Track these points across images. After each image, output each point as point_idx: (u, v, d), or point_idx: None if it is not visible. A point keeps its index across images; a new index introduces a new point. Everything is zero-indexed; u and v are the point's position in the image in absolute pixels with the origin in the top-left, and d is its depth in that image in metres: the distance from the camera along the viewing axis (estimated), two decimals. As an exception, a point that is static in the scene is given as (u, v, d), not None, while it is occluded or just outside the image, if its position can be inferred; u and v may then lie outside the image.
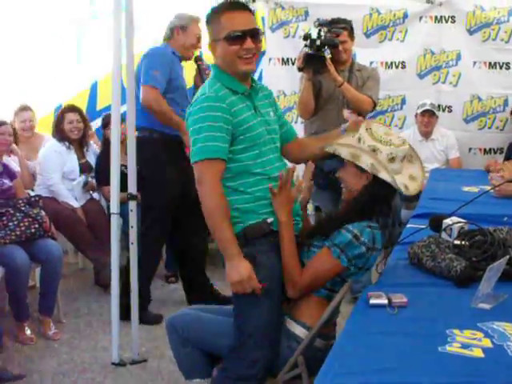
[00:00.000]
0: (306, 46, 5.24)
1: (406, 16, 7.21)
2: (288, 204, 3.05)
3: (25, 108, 6.38)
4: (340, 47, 5.47)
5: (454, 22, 7.18)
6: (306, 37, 5.31)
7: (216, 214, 2.93)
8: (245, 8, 3.07)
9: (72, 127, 6.19)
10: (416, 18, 7.23)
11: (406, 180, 3.06)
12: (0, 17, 6.91)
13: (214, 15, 3.06)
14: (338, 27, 5.50)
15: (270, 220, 3.06)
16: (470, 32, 7.16)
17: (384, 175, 2.97)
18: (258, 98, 3.18)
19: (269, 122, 3.17)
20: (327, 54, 5.36)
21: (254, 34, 3.04)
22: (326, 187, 5.48)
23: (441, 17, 7.18)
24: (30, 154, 6.39)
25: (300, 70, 5.38)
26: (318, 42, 5.23)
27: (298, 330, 3.04)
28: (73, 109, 6.30)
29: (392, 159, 3.03)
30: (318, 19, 5.46)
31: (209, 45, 3.12)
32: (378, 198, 3.03)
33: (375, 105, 5.67)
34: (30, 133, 6.45)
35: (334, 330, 3.20)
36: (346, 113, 5.34)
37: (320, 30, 5.25)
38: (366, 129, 3.10)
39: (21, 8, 6.95)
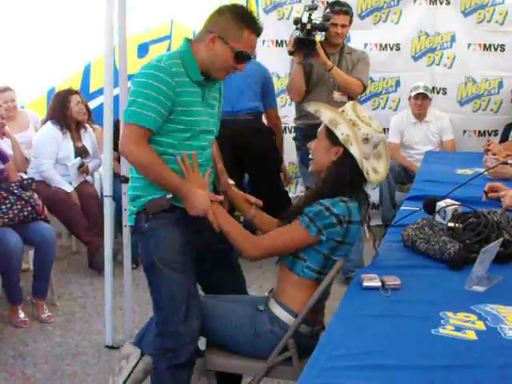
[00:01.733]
0: (297, 29, 5.28)
1: (400, -3, 7.20)
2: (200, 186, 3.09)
3: (6, 89, 6.36)
4: (339, 30, 5.55)
5: (449, 3, 7.18)
6: (297, 21, 5.33)
7: (153, 167, 3.03)
8: (259, 34, 3.13)
9: (80, 108, 6.20)
10: (411, -1, 7.22)
11: (369, 168, 3.04)
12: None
13: (238, 20, 3.05)
14: (341, 10, 5.57)
15: (169, 196, 3.11)
16: (465, 14, 7.16)
17: (355, 150, 2.95)
18: (210, 90, 3.21)
19: (210, 115, 3.21)
20: (321, 37, 5.47)
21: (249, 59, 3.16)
22: None
23: (435, -2, 7.17)
24: (21, 127, 6.46)
25: (291, 53, 5.43)
26: (309, 26, 5.24)
27: (283, 315, 3.02)
28: (75, 91, 6.31)
29: (366, 140, 3.00)
30: (308, 5, 5.44)
31: (210, 32, 3.06)
32: (345, 178, 2.99)
33: (365, 87, 5.72)
34: (13, 112, 6.43)
35: (321, 315, 3.18)
36: (337, 95, 5.51)
37: (310, 14, 5.25)
38: (352, 105, 3.09)
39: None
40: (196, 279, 3.21)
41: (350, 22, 5.69)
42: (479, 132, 7.43)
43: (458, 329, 2.26)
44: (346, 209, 2.91)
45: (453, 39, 7.25)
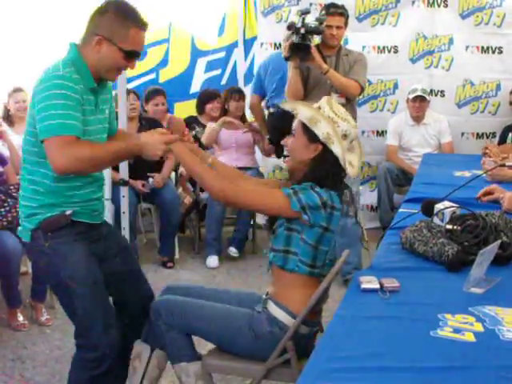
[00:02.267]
0: (292, 33, 5.30)
1: (398, 0, 7.20)
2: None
3: (18, 89, 6.38)
4: (334, 31, 5.56)
5: (447, 6, 7.19)
6: (291, 26, 5.37)
7: (96, 155, 2.92)
8: (146, 29, 3.09)
9: None
10: (408, 2, 7.24)
11: (347, 162, 3.05)
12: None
13: (122, 18, 3.00)
14: (335, 12, 5.58)
15: (68, 212, 3.09)
16: (463, 16, 7.17)
17: (337, 148, 2.96)
18: (102, 93, 3.17)
19: (102, 121, 3.18)
20: (318, 40, 5.50)
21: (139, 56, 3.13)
22: None
23: (433, 1, 7.19)
24: None
25: (286, 59, 5.46)
26: (303, 31, 5.27)
27: (281, 316, 3.02)
28: None
29: (345, 136, 3.02)
30: (301, 9, 5.53)
31: (95, 34, 2.99)
32: (325, 173, 3.00)
33: (363, 89, 5.73)
34: (24, 113, 6.43)
35: (319, 317, 3.19)
36: (335, 97, 5.41)
37: (304, 19, 5.28)
38: (328, 101, 3.10)
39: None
40: (105, 288, 3.23)
41: (346, 23, 5.71)
42: (477, 134, 7.44)
43: (457, 331, 2.26)
44: (329, 194, 2.95)
45: (451, 42, 7.25)
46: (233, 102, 6.87)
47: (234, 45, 8.01)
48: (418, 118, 7.16)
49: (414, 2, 7.23)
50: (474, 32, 7.18)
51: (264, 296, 3.17)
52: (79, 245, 3.12)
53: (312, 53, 5.34)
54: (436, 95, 7.38)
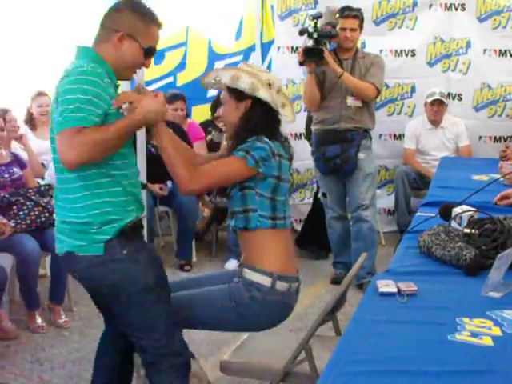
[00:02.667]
0: (308, 37, 5.36)
1: (415, 4, 7.21)
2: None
3: (41, 93, 6.44)
4: (348, 34, 5.59)
5: (464, 9, 7.17)
6: (303, 32, 5.44)
7: (105, 139, 2.77)
8: (162, 27, 3.08)
9: None
10: (426, 5, 7.22)
11: (279, 105, 3.17)
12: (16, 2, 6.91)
13: (143, 15, 2.99)
14: (350, 14, 5.61)
15: (142, 215, 3.11)
16: (480, 20, 7.14)
17: (263, 93, 3.06)
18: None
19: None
20: (330, 45, 5.53)
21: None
22: (328, 173, 5.82)
23: (451, 4, 7.17)
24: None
25: (301, 63, 5.50)
26: (316, 35, 5.32)
27: (257, 277, 3.07)
28: None
29: (269, 85, 3.12)
30: (313, 14, 5.56)
31: (116, 31, 2.93)
32: (259, 121, 3.09)
33: (379, 91, 5.74)
34: (46, 117, 6.48)
35: (296, 271, 3.23)
36: (351, 100, 5.57)
37: (316, 23, 5.34)
38: (245, 63, 3.28)
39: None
40: None
41: (361, 26, 5.72)
42: (495, 138, 7.40)
43: (474, 335, 2.26)
44: (274, 144, 3.06)
45: (468, 45, 7.23)
46: None
47: (251, 48, 8.01)
48: (435, 122, 7.15)
49: (431, 6, 7.22)
50: (491, 35, 7.15)
51: (238, 267, 3.23)
52: (148, 248, 3.12)
53: (325, 57, 5.37)
54: (453, 99, 7.36)
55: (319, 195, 6.34)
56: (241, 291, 3.09)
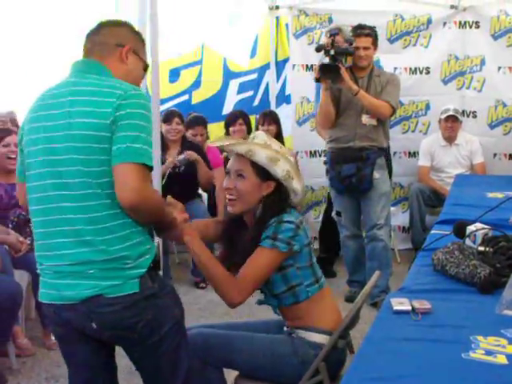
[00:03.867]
0: (325, 55, 5.35)
1: (429, 22, 7.24)
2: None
3: None
4: (362, 53, 5.58)
5: (479, 27, 7.20)
6: (319, 48, 5.48)
7: (161, 206, 2.71)
8: None
9: None
10: (440, 23, 7.27)
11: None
12: (23, 13, 6.96)
13: (138, 34, 2.96)
14: (362, 33, 5.60)
15: (158, 241, 2.97)
16: (495, 37, 7.16)
17: (296, 185, 2.98)
18: None
19: None
20: (346, 63, 5.48)
21: None
22: (344, 192, 5.81)
23: (465, 22, 7.21)
24: None
25: (317, 80, 5.49)
26: (332, 52, 5.32)
27: (318, 338, 3.00)
28: None
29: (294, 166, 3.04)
30: (329, 30, 5.59)
31: (121, 45, 2.82)
32: (281, 205, 2.98)
33: (394, 110, 5.68)
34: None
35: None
36: (365, 118, 5.53)
37: (333, 40, 5.34)
38: (266, 135, 3.06)
39: (45, 4, 6.99)
40: None
41: (374, 44, 5.70)
42: (510, 155, 7.39)
43: (489, 353, 2.25)
44: (293, 215, 2.94)
45: (482, 62, 7.26)
46: (260, 126, 6.85)
47: (266, 66, 8.06)
48: (450, 139, 7.15)
49: (445, 24, 7.26)
50: (505, 53, 7.17)
51: (285, 329, 3.15)
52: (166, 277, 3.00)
53: (341, 74, 5.34)
54: (468, 116, 7.37)
55: (333, 214, 6.25)
56: (306, 349, 3.00)
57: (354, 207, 5.91)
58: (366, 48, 5.61)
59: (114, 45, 2.80)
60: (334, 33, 5.42)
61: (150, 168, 2.56)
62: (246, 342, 3.09)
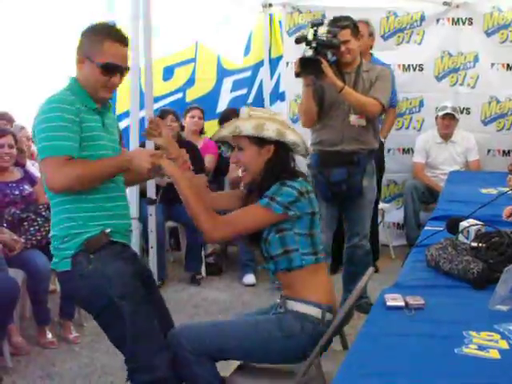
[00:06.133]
0: (307, 45, 4.88)
1: (423, 18, 7.25)
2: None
3: None
4: (343, 47, 5.03)
5: (472, 23, 7.21)
6: (299, 39, 4.98)
7: (87, 173, 3.01)
8: (126, 44, 3.16)
9: None
10: (433, 20, 7.27)
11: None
12: (17, 13, 6.94)
13: (96, 34, 3.09)
14: (339, 25, 5.04)
15: (108, 230, 3.11)
16: (488, 34, 7.17)
17: (291, 135, 3.09)
18: (108, 117, 3.26)
19: (113, 141, 3.25)
20: (331, 57, 4.97)
21: (124, 72, 3.17)
22: (330, 198, 5.26)
23: (458, 19, 7.21)
24: None
25: (297, 75, 4.99)
26: (314, 44, 4.83)
27: (308, 309, 3.04)
28: None
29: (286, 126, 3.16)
30: (312, 21, 5.13)
31: (78, 56, 3.14)
32: (284, 166, 3.12)
33: (384, 107, 5.17)
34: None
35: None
36: (354, 118, 5.05)
37: (315, 31, 4.83)
38: (250, 109, 3.19)
39: (38, 4, 6.97)
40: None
41: (355, 34, 5.12)
42: (503, 151, 7.41)
43: (482, 348, 2.26)
44: (299, 183, 3.04)
45: (476, 59, 7.26)
46: None
47: (260, 64, 8.07)
48: (446, 136, 7.17)
49: (438, 20, 7.27)
50: (499, 49, 7.17)
51: (278, 300, 3.19)
52: (121, 263, 3.12)
53: (323, 68, 4.81)
54: (462, 112, 7.37)
55: None
56: (291, 322, 3.04)
57: (332, 215, 5.40)
58: (345, 41, 5.03)
59: (77, 55, 3.14)
60: (317, 23, 4.91)
61: (63, 156, 2.96)
62: (234, 327, 3.15)
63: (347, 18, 5.16)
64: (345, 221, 5.49)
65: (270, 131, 3.04)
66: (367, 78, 5.15)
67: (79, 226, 3.07)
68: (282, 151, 3.11)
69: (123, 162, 3.09)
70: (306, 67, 4.85)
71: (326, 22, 5.18)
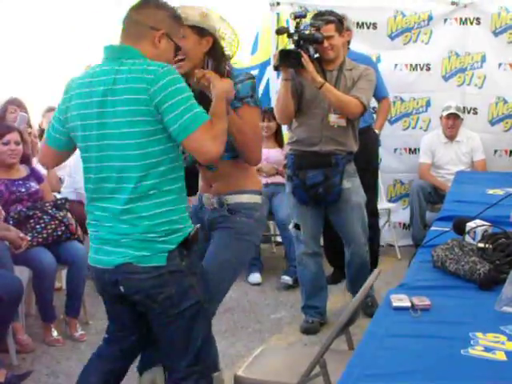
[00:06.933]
0: (288, 38, 4.71)
1: (430, 18, 7.21)
2: None
3: (52, 109, 6.47)
4: (326, 43, 4.77)
5: (479, 23, 7.17)
6: (280, 31, 4.82)
7: (223, 126, 2.92)
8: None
9: None
10: (441, 20, 7.23)
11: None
12: (24, 8, 6.97)
13: (177, 17, 3.03)
14: (323, 19, 4.83)
15: (198, 226, 3.05)
16: (495, 34, 7.14)
17: (227, 28, 3.35)
18: None
19: None
20: (313, 53, 4.72)
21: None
22: (307, 202, 5.03)
23: (465, 19, 7.17)
24: None
25: (276, 68, 4.84)
26: (296, 37, 4.62)
27: (250, 198, 3.30)
28: None
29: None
30: (295, 12, 4.96)
31: (155, 29, 2.90)
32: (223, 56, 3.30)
33: (365, 107, 4.87)
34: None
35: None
36: (334, 118, 4.79)
37: (298, 24, 4.64)
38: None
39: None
40: None
41: (339, 30, 4.87)
42: (510, 152, 7.38)
43: (488, 349, 2.26)
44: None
45: (483, 59, 7.23)
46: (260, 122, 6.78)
47: (267, 63, 8.04)
48: (451, 136, 7.15)
49: (446, 20, 7.23)
50: (506, 49, 7.14)
51: (214, 200, 3.35)
52: (199, 261, 3.14)
53: (303, 62, 4.56)
54: (469, 113, 7.35)
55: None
56: (243, 223, 3.26)
57: (316, 221, 5.15)
58: (329, 37, 4.78)
59: (148, 27, 2.90)
60: (300, 15, 4.72)
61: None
62: (217, 276, 3.30)
63: (332, 13, 4.97)
64: (336, 230, 5.26)
65: (212, 22, 3.26)
66: (349, 77, 4.92)
67: (178, 221, 2.88)
68: (218, 45, 3.29)
69: (218, 99, 2.98)
70: (286, 60, 4.61)
71: (310, 15, 5.02)
